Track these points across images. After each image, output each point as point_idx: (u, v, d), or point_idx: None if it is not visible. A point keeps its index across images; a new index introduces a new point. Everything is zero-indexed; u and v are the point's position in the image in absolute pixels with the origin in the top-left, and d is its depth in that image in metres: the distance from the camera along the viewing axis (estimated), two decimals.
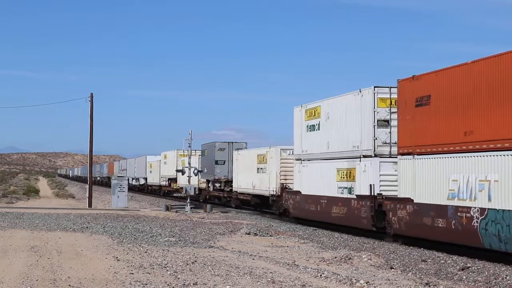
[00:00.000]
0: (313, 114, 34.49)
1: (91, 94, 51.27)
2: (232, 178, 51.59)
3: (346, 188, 30.51)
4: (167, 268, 16.89)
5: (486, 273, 19.21)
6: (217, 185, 54.23)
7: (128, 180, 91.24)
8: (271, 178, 41.82)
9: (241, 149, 51.63)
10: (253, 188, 45.57)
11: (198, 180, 57.68)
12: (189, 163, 48.35)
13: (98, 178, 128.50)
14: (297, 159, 36.40)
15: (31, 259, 18.59)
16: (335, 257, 20.21)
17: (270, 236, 28.82)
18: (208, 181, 56.77)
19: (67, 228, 29.63)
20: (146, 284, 14.50)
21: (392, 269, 18.72)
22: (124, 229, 28.82)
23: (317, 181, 33.71)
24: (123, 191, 49.75)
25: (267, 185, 42.52)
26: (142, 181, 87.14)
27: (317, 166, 33.87)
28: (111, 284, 14.52)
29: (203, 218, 39.00)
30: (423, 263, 21.62)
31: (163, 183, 73.76)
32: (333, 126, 32.11)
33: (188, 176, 48.19)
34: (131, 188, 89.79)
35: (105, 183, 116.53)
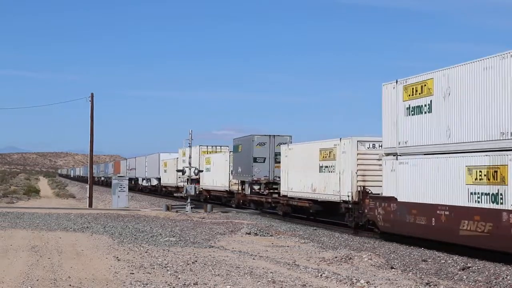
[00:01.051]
0: (419, 91, 25.54)
1: (92, 94, 51.33)
2: (275, 179, 43.29)
3: (486, 194, 21.33)
4: (168, 268, 16.89)
5: (487, 273, 19.22)
6: (256, 187, 44.63)
7: (138, 180, 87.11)
8: (343, 179, 32.05)
9: (285, 143, 42.24)
10: (313, 191, 35.36)
11: (229, 182, 50.18)
12: (190, 163, 48.14)
13: (102, 178, 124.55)
14: (389, 154, 27.52)
15: (32, 259, 18.59)
16: (336, 257, 20.21)
17: (271, 236, 28.82)
18: (242, 183, 47.56)
19: (68, 228, 29.64)
20: (147, 284, 14.50)
21: (393, 269, 18.73)
22: (125, 229, 28.83)
23: (428, 184, 24.67)
24: (124, 191, 49.78)
25: (336, 188, 32.82)
26: (154, 182, 78.30)
27: (428, 163, 24.81)
28: (112, 284, 14.53)
29: (203, 218, 39.02)
30: (424, 263, 21.63)
31: (181, 184, 64.51)
32: (458, 106, 23.04)
33: (188, 176, 48.10)
34: (141, 190, 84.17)
35: (110, 183, 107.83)
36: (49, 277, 15.37)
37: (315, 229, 33.12)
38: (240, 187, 48.26)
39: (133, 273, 15.98)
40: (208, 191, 57.22)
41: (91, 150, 52.61)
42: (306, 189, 36.46)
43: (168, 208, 46.64)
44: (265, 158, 44.37)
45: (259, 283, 14.98)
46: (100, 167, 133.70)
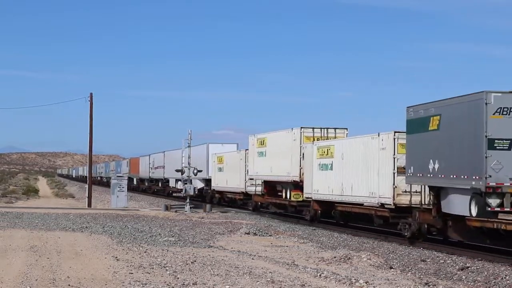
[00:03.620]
0: None
1: (91, 94, 51.34)
2: None
3: None
4: (167, 268, 16.89)
5: (486, 273, 19.24)
6: (493, 202, 21.45)
7: (169, 182, 66.22)
8: None
9: None
10: None
11: (394, 189, 27.42)
12: (189, 163, 47.59)
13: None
14: None
15: (31, 258, 18.59)
16: (335, 257, 20.22)
17: (270, 236, 28.81)
18: (438, 192, 24.41)
19: (67, 227, 29.64)
20: (146, 284, 14.50)
21: (392, 269, 18.74)
22: (124, 229, 28.82)
23: None
24: (123, 191, 49.75)
25: None
26: (199, 185, 55.87)
27: None
28: (111, 284, 14.52)
29: (202, 218, 38.98)
30: (423, 263, 21.65)
31: (251, 188, 44.29)
32: None
33: (187, 176, 47.60)
34: (172, 194, 61.00)
35: None
36: (48, 277, 15.36)
37: (314, 229, 33.07)
38: (429, 200, 25.28)
39: (132, 273, 15.97)
40: (322, 203, 34.29)
41: (90, 150, 52.63)
42: None
43: (167, 208, 46.55)
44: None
45: (258, 283, 14.98)
46: (110, 166, 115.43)
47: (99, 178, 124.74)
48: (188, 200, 46.54)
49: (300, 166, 35.95)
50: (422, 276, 17.91)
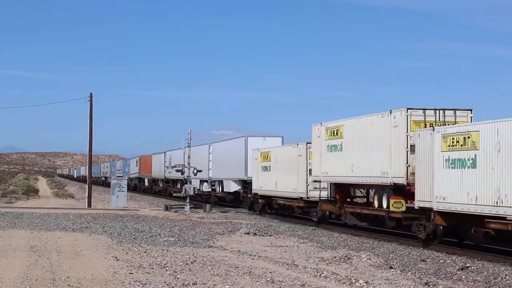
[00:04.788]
0: None
1: (91, 94, 51.36)
2: None
3: None
4: (167, 268, 16.90)
5: (486, 273, 19.25)
6: None
7: (190, 182, 53.53)
8: None
9: None
10: None
11: None
12: (189, 163, 47.57)
13: None
14: None
15: (31, 259, 18.59)
16: (335, 257, 20.21)
17: (270, 236, 28.81)
18: None
19: (67, 228, 29.65)
20: (146, 284, 14.50)
21: (392, 269, 18.74)
22: (124, 229, 28.83)
23: None
24: (123, 191, 49.75)
25: None
26: (233, 187, 49.29)
27: None
28: (111, 284, 14.53)
29: (202, 218, 38.99)
30: (423, 262, 21.66)
31: (315, 193, 34.48)
32: None
33: (187, 176, 47.54)
34: (199, 198, 54.88)
35: (133, 186, 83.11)
36: (48, 277, 15.37)
37: (314, 229, 33.07)
38: None
39: (132, 273, 15.98)
40: (450, 216, 23.77)
41: (90, 150, 52.64)
42: None
43: (167, 208, 46.54)
44: None
45: (258, 283, 14.99)
46: (116, 165, 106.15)
47: (103, 178, 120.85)
48: (188, 200, 46.52)
49: (407, 163, 25.94)
50: (422, 276, 17.91)
